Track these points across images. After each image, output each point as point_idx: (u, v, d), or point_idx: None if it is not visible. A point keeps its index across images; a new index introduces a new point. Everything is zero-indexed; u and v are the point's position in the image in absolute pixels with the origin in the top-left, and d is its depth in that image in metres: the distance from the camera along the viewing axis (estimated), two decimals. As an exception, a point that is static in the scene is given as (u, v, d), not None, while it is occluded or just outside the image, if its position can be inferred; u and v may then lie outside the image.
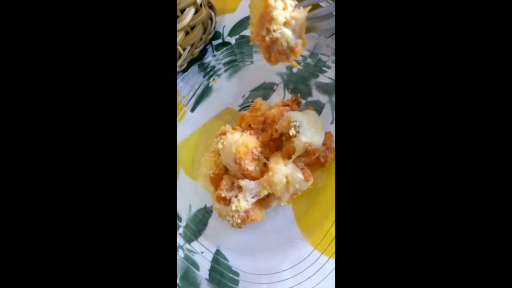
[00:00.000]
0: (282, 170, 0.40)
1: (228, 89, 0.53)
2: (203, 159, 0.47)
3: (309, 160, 0.42)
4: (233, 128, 0.46)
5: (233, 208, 0.40)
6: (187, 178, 0.50)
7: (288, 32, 0.31)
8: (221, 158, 0.44)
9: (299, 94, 0.48)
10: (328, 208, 0.43)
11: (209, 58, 0.54)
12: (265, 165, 0.42)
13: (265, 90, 0.52)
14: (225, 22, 0.60)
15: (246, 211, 0.41)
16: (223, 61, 0.54)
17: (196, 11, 0.49)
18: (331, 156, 0.44)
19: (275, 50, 0.32)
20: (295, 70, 0.51)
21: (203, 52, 0.58)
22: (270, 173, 0.40)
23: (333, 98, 0.48)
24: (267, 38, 0.31)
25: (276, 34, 0.31)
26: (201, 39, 0.54)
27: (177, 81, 0.53)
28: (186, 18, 0.47)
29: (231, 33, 0.58)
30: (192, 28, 0.51)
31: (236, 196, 0.41)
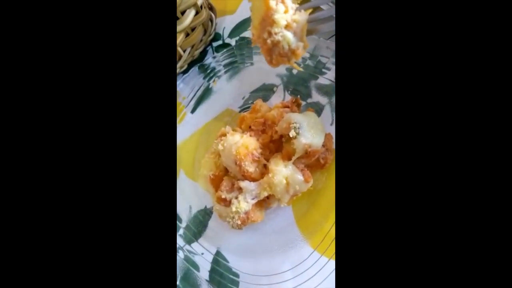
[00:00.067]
0: (282, 172, 0.40)
1: (228, 91, 0.53)
2: (203, 160, 0.47)
3: (309, 162, 0.42)
4: (233, 130, 0.46)
5: (233, 209, 0.40)
6: (187, 179, 0.50)
7: (289, 35, 0.31)
8: (221, 160, 0.44)
9: (299, 96, 0.48)
10: (328, 210, 0.43)
11: (209, 60, 0.54)
12: (265, 166, 0.42)
13: (265, 91, 0.52)
14: (225, 24, 0.60)
15: (246, 213, 0.41)
16: (223, 63, 0.54)
17: (197, 13, 0.49)
18: (331, 157, 0.44)
19: (276, 53, 0.32)
20: (295, 71, 0.51)
21: (203, 53, 0.58)
22: (270, 175, 0.40)
23: (333, 99, 0.48)
24: (268, 41, 0.32)
25: (278, 37, 0.31)
26: (201, 40, 0.55)
27: (177, 82, 0.53)
28: (187, 20, 0.47)
29: (231, 35, 0.59)
30: (193, 29, 0.51)
31: (236, 198, 0.41)
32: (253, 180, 0.42)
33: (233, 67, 0.54)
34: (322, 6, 0.43)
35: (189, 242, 0.46)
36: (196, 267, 0.44)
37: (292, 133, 0.40)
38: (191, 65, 0.55)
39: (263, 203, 0.44)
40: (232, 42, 0.58)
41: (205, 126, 0.53)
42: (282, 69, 0.51)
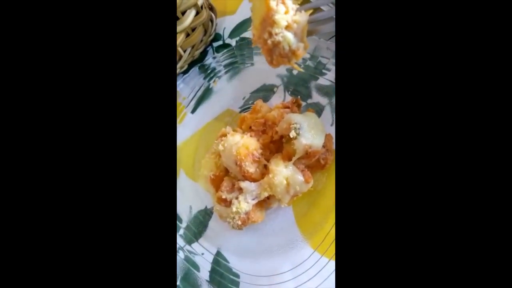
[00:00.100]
0: (283, 172, 0.40)
1: (228, 91, 0.54)
2: (204, 160, 0.47)
3: (309, 162, 0.42)
4: (234, 130, 0.46)
5: (234, 209, 0.40)
6: (187, 180, 0.50)
7: (290, 35, 0.31)
8: (222, 160, 0.44)
9: (299, 96, 0.48)
10: (328, 210, 0.43)
11: (209, 60, 0.54)
12: (265, 167, 0.43)
13: (265, 92, 0.52)
14: (226, 24, 0.60)
15: (247, 213, 0.41)
16: (223, 63, 0.54)
17: (197, 13, 0.49)
18: (331, 158, 0.44)
19: (277, 53, 0.32)
20: (295, 72, 0.51)
21: (204, 54, 0.58)
22: (270, 175, 0.40)
23: (333, 100, 0.48)
24: (269, 41, 0.32)
25: (278, 38, 0.31)
26: (201, 41, 0.55)
27: (178, 82, 0.53)
28: (187, 20, 0.47)
29: (231, 35, 0.59)
30: (193, 30, 0.51)
31: (236, 198, 0.41)
32: (254, 180, 0.42)
33: (233, 68, 0.54)
34: (322, 7, 0.43)
35: (189, 242, 0.46)
36: (197, 267, 0.44)
37: (292, 134, 0.40)
38: (191, 65, 0.55)
39: (264, 203, 0.44)
40: (233, 42, 0.58)
41: (206, 127, 0.53)
42: (282, 69, 0.51)
